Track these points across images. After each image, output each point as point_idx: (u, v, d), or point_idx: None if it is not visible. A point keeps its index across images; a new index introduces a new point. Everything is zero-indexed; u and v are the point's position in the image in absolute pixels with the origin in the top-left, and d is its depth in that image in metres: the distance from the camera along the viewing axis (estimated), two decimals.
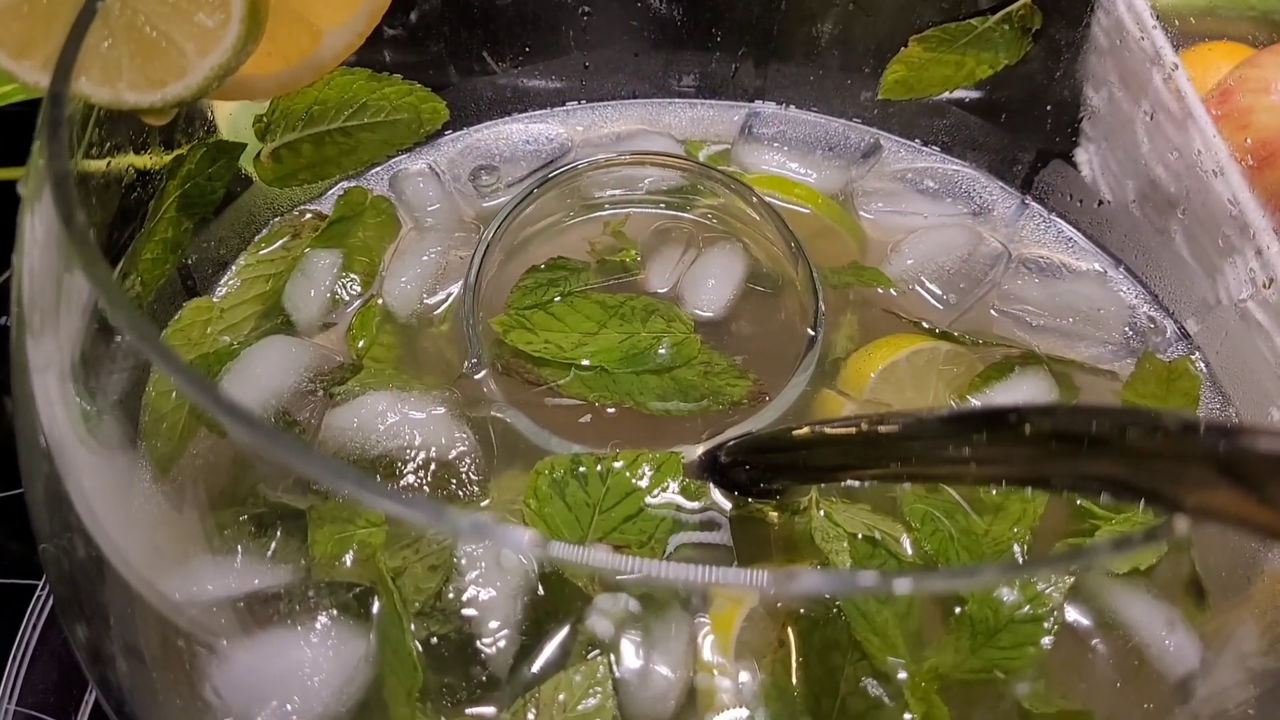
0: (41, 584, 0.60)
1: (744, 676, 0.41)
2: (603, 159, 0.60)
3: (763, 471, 0.45)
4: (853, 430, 0.37)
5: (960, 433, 0.32)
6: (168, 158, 0.51)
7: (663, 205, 0.60)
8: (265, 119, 0.55)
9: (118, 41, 0.39)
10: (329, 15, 0.47)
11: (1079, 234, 0.61)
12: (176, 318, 0.52)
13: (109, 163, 0.45)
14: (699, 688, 0.41)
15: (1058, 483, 0.31)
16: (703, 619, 0.42)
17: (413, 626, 0.41)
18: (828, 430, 0.39)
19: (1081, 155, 0.65)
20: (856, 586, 0.33)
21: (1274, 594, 0.41)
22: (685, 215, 0.60)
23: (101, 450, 0.40)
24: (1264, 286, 0.56)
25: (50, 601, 0.60)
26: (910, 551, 0.46)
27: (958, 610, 0.43)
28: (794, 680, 0.41)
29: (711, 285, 0.54)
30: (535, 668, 0.41)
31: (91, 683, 0.37)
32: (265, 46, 0.43)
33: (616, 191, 0.60)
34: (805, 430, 0.42)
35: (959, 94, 0.63)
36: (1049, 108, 0.61)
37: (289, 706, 0.40)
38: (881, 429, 0.35)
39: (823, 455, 0.40)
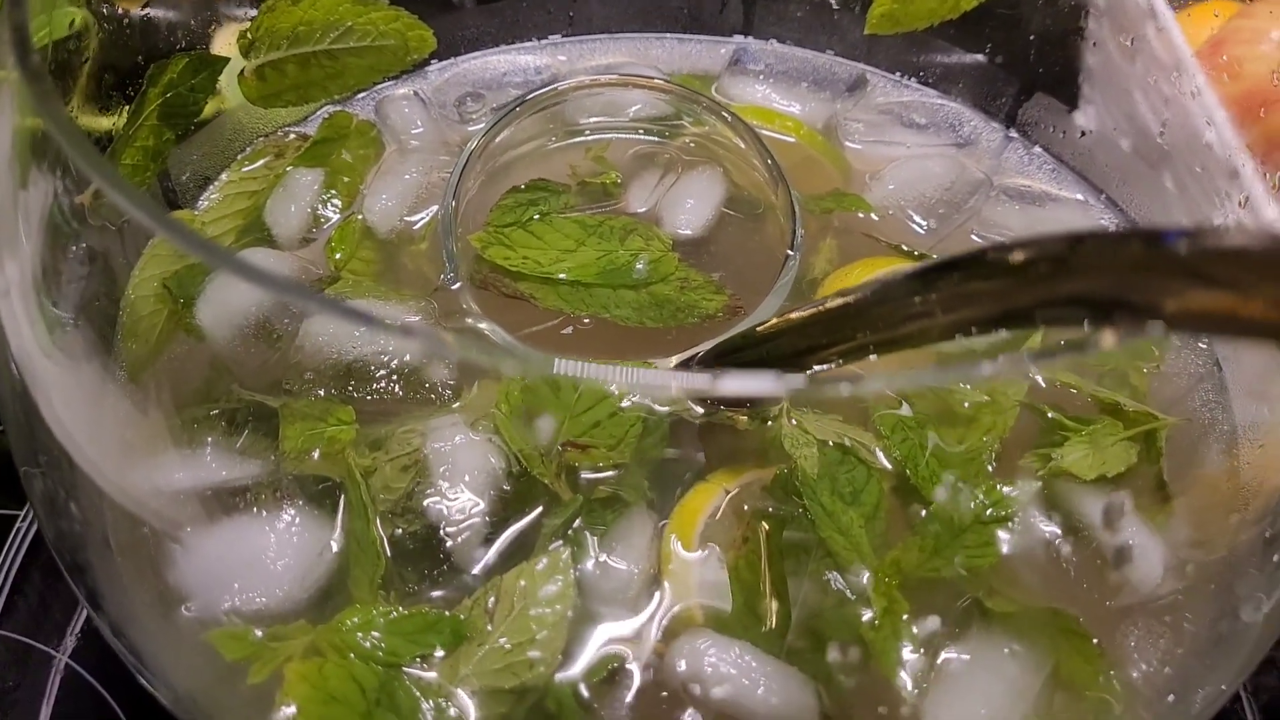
0: (24, 512, 0.61)
1: (708, 569, 0.41)
2: (588, 80, 0.60)
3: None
4: (819, 309, 0.37)
5: (926, 285, 0.32)
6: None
7: (646, 132, 0.60)
8: (249, 35, 0.55)
9: None
10: None
11: (1062, 165, 0.61)
12: None
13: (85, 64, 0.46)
14: (663, 578, 0.41)
15: (1030, 314, 0.30)
16: (664, 518, 0.43)
17: (379, 520, 0.42)
18: (794, 315, 0.39)
19: (1080, 117, 0.65)
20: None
21: (1207, 493, 0.41)
22: (668, 142, 0.60)
23: (68, 361, 0.40)
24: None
25: (33, 530, 0.60)
26: (882, 459, 0.46)
27: (924, 513, 0.43)
28: (757, 575, 0.41)
29: (690, 205, 0.54)
30: (499, 559, 0.41)
31: (68, 579, 0.38)
32: None
33: (601, 118, 0.60)
34: (772, 321, 0.42)
35: (945, 28, 0.63)
36: (1032, 38, 0.61)
37: (253, 591, 0.40)
38: (848, 300, 0.35)
39: (791, 341, 0.39)
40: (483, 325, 0.50)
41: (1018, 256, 0.30)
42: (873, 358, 0.42)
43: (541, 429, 0.46)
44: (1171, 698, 0.39)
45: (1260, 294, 0.25)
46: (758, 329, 0.43)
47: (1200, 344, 0.52)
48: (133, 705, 0.53)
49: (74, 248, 0.37)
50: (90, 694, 0.55)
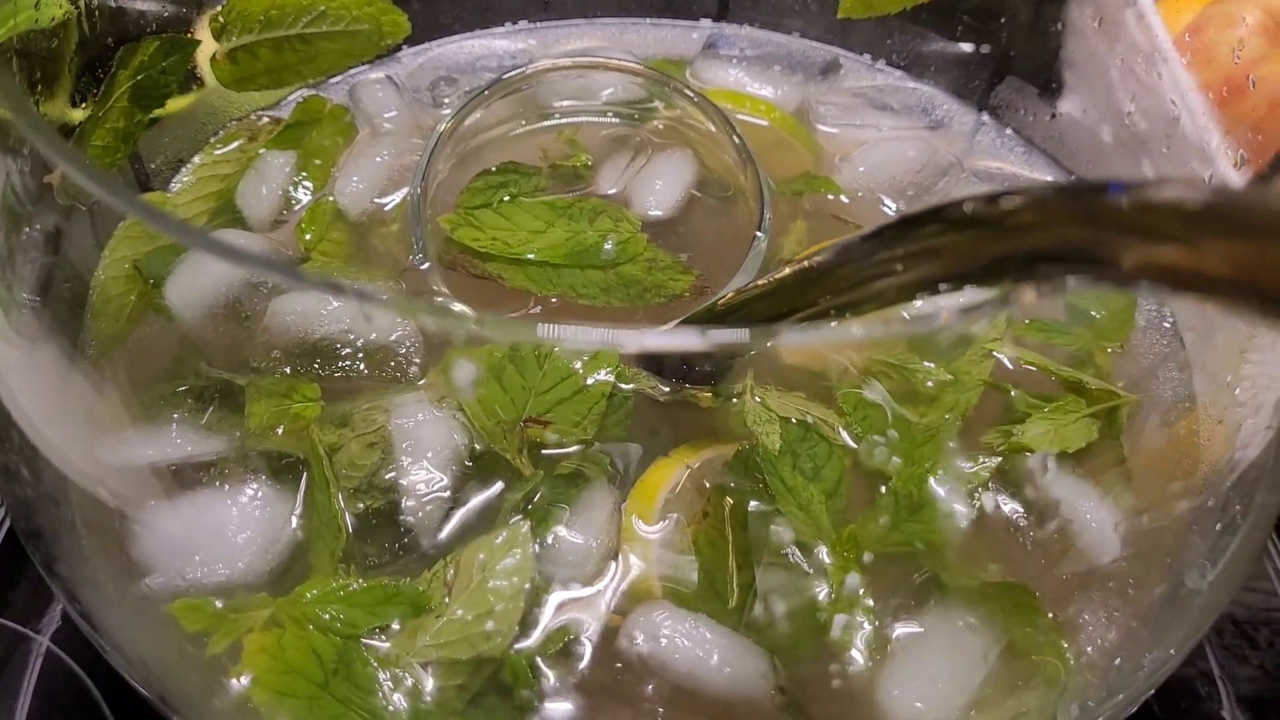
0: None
1: (666, 542, 0.41)
2: (564, 62, 0.60)
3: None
4: (781, 275, 0.37)
5: (885, 243, 0.32)
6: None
7: (617, 115, 0.60)
8: (221, 18, 0.56)
9: None
10: None
11: (1033, 148, 0.61)
12: None
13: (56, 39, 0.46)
14: (621, 552, 0.41)
15: (992, 269, 0.29)
16: (624, 494, 0.43)
17: (341, 497, 0.42)
18: (757, 284, 0.39)
19: (1064, 106, 0.65)
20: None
21: (1155, 464, 0.41)
22: (640, 125, 0.60)
23: (26, 342, 0.40)
24: None
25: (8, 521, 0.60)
26: (844, 437, 0.46)
27: (884, 489, 0.44)
28: (717, 548, 0.42)
29: (659, 187, 0.54)
30: (460, 534, 0.42)
31: (25, 546, 0.38)
32: None
33: (572, 101, 0.61)
34: (733, 293, 0.42)
35: (918, 12, 0.63)
36: (1003, 21, 0.61)
37: (215, 563, 0.40)
38: (809, 264, 0.35)
39: (753, 311, 0.40)
40: (451, 306, 0.50)
41: (975, 210, 0.30)
42: (834, 324, 0.42)
43: (505, 407, 0.46)
44: (1118, 661, 0.39)
45: (1210, 249, 0.25)
46: (719, 304, 0.43)
47: (1165, 324, 0.52)
48: (112, 686, 0.54)
49: (29, 230, 0.37)
50: (70, 676, 0.56)
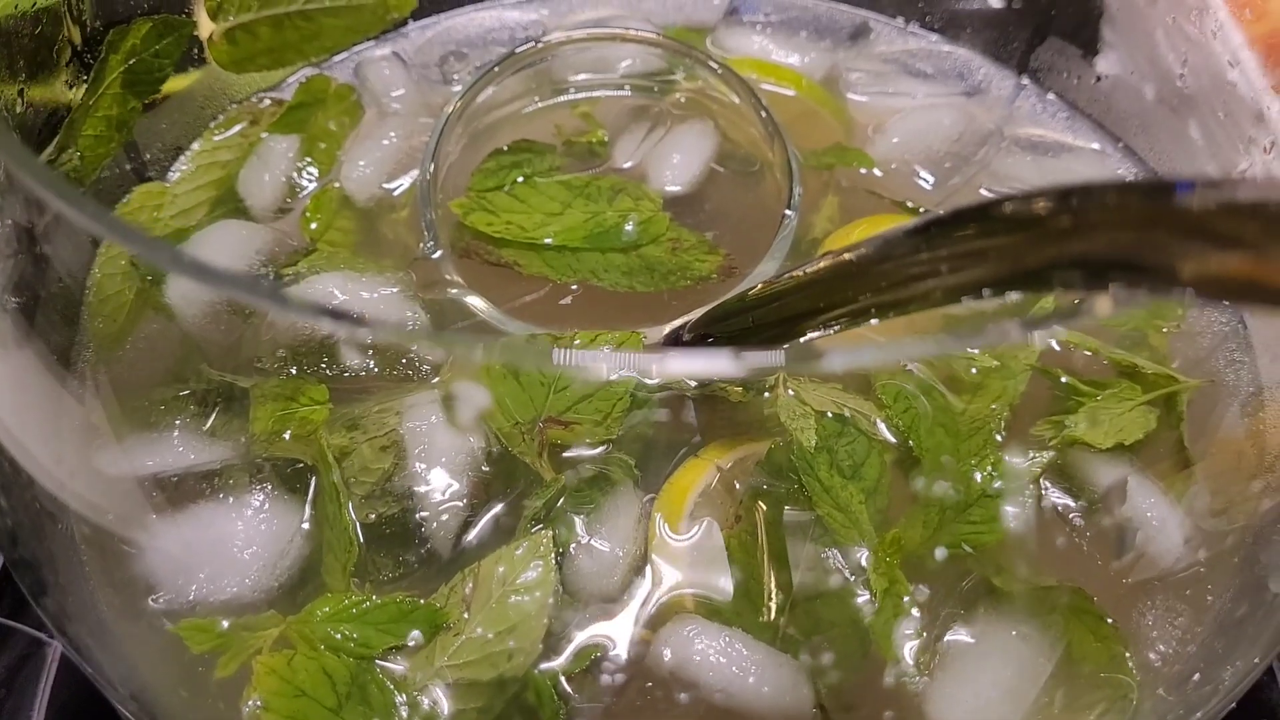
0: None
1: (698, 551, 0.39)
2: (579, 34, 0.57)
3: (728, 343, 0.43)
4: (819, 268, 0.34)
5: (930, 241, 0.29)
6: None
7: (636, 88, 0.57)
8: None
9: None
10: None
11: (1077, 113, 0.58)
12: (125, 201, 0.50)
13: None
14: (649, 562, 0.39)
15: (1041, 275, 0.27)
16: (652, 497, 0.40)
17: (351, 505, 0.40)
18: (793, 275, 0.36)
19: (1101, 63, 0.62)
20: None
21: (1229, 458, 0.38)
22: (660, 98, 0.57)
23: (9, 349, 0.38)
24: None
25: None
26: (884, 430, 0.43)
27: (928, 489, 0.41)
28: (751, 555, 0.39)
29: (676, 160, 0.52)
30: (478, 544, 0.39)
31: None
32: None
33: (589, 74, 0.58)
34: (767, 283, 0.39)
35: None
36: None
37: (221, 579, 0.38)
38: (848, 258, 0.32)
39: (788, 305, 0.37)
40: (464, 296, 0.48)
41: (1026, 209, 0.27)
42: (874, 322, 0.39)
43: (523, 405, 0.44)
44: (1197, 677, 0.37)
45: None
46: (751, 293, 0.41)
47: (1224, 301, 0.49)
48: None
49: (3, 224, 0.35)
50: (85, 682, 0.54)
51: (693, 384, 0.44)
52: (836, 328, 0.36)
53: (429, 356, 0.46)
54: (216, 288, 0.45)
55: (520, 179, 0.51)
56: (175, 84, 0.54)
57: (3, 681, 0.54)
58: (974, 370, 0.45)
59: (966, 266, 0.29)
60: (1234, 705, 0.33)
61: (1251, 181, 0.22)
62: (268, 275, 0.48)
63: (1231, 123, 0.55)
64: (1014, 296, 0.29)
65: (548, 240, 0.49)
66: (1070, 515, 0.40)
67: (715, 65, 0.56)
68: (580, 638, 0.37)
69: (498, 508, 0.40)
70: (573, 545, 0.38)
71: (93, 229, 0.38)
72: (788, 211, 0.50)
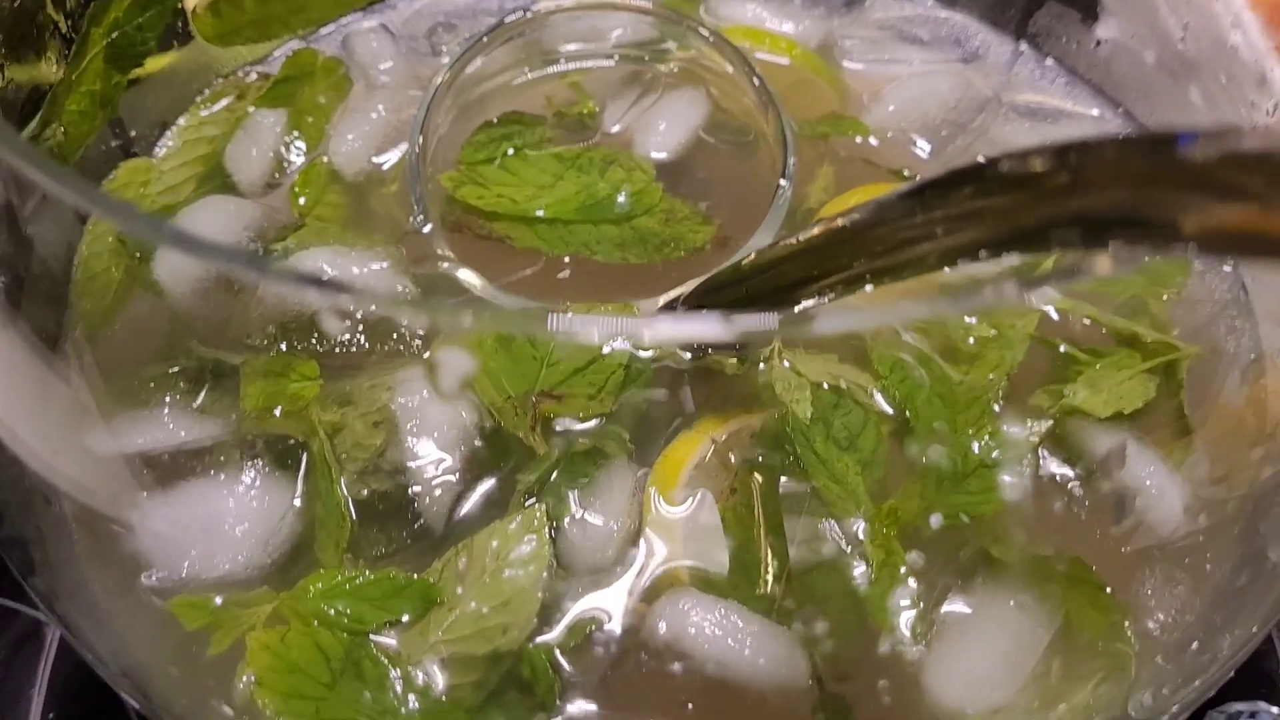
0: None
1: (692, 523, 0.39)
2: (569, 3, 0.56)
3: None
4: (812, 235, 0.34)
5: (925, 204, 0.29)
6: None
7: (628, 58, 0.56)
8: None
9: None
10: None
11: (1076, 78, 0.57)
12: (111, 177, 0.50)
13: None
14: (644, 535, 0.39)
15: (1040, 235, 0.27)
16: (646, 471, 0.40)
17: (344, 481, 0.39)
18: (786, 244, 0.36)
19: (1101, 28, 0.61)
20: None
21: (1229, 426, 0.38)
22: (651, 67, 0.56)
23: None
24: None
25: None
26: (880, 401, 0.43)
27: (924, 459, 0.41)
28: (747, 528, 0.39)
29: (663, 127, 0.51)
30: (472, 519, 0.39)
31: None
32: None
33: (580, 44, 0.57)
34: (759, 252, 0.39)
35: None
36: None
37: (214, 557, 0.38)
38: (841, 223, 0.32)
39: (781, 273, 0.36)
40: (454, 270, 0.47)
41: (1023, 168, 0.27)
42: (869, 289, 0.39)
43: (515, 379, 0.43)
44: (1195, 645, 0.36)
45: None
46: (744, 262, 0.40)
47: (1225, 267, 0.48)
48: None
49: None
50: (85, 663, 0.54)
51: (686, 356, 0.44)
52: (831, 296, 0.35)
53: (420, 331, 0.45)
54: (206, 261, 0.44)
55: (511, 151, 0.51)
56: (160, 60, 0.53)
57: (2, 662, 0.54)
58: (971, 340, 0.45)
59: (962, 228, 0.28)
60: (1233, 674, 0.33)
61: (1255, 131, 0.21)
62: (259, 251, 0.47)
63: (1234, 86, 0.54)
64: (1011, 259, 0.28)
65: (539, 213, 0.49)
66: (1069, 484, 0.40)
67: (708, 33, 0.55)
68: (575, 611, 0.37)
69: (491, 482, 0.40)
70: (567, 519, 0.38)
71: (80, 205, 0.37)
72: (782, 181, 0.50)
